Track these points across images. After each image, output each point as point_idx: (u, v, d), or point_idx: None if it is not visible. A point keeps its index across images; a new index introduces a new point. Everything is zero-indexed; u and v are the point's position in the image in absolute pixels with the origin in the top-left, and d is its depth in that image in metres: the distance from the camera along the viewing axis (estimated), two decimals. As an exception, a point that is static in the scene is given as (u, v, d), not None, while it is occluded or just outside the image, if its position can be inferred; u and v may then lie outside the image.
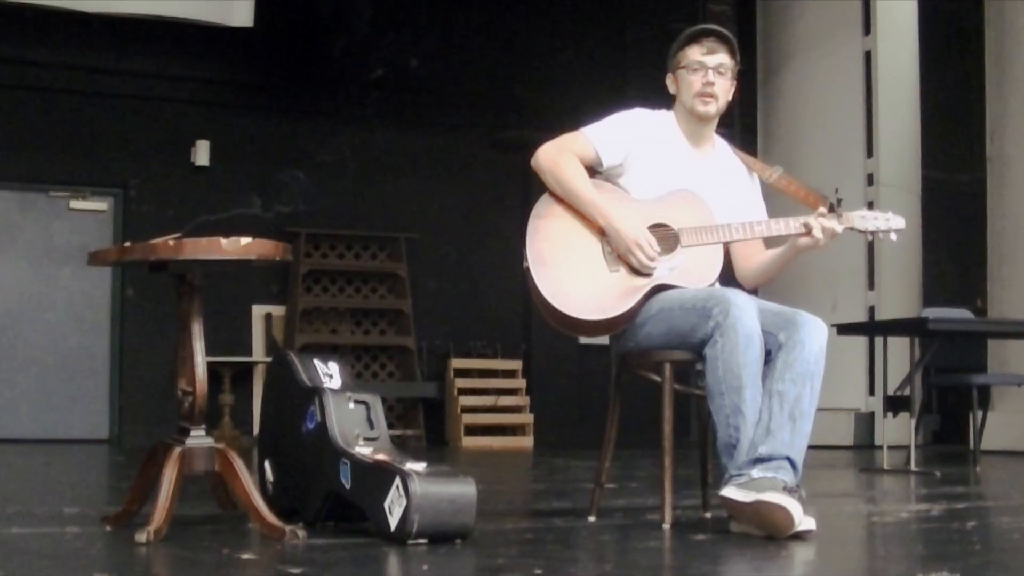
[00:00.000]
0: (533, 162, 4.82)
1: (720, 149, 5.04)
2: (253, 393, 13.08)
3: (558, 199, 4.75)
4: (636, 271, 4.64)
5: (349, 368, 4.81)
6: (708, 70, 4.80)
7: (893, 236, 4.88)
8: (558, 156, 4.77)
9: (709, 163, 4.95)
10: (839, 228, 4.69)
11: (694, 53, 4.82)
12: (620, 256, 4.65)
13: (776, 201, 5.29)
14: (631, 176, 4.81)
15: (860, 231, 4.82)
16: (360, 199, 13.91)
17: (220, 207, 13.34)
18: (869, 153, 13.01)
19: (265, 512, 4.17)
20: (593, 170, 4.82)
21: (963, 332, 9.77)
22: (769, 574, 3.70)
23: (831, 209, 4.78)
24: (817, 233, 4.65)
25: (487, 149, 14.26)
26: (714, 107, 4.85)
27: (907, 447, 8.81)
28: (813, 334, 4.47)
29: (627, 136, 4.84)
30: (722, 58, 4.83)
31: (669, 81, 4.92)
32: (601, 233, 4.68)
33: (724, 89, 4.85)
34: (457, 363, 13.82)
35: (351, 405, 4.50)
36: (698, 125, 4.91)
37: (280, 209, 13.65)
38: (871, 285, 12.91)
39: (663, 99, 4.99)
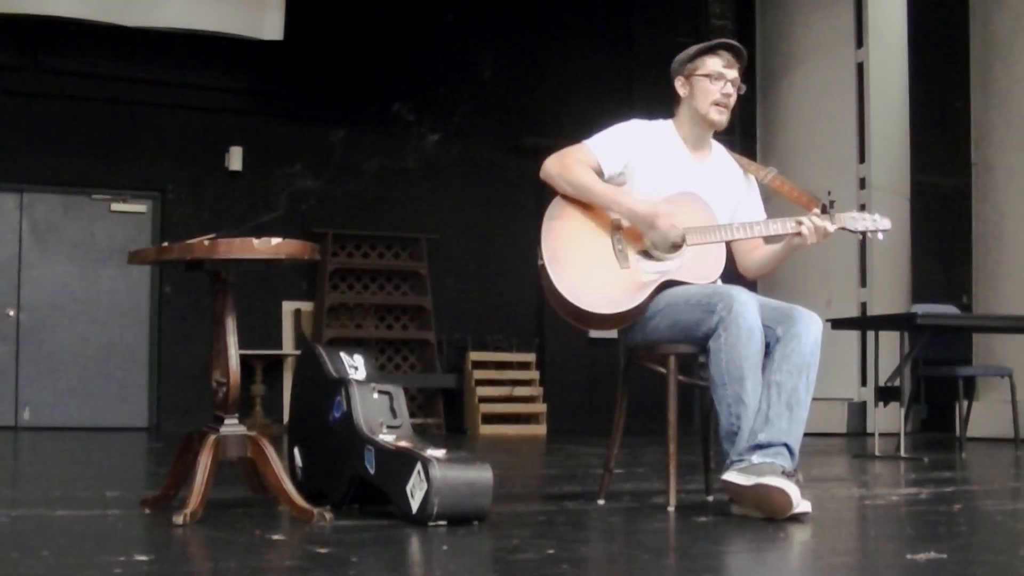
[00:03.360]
0: (542, 172, 4.80)
1: (717, 153, 5.02)
2: (283, 384, 13.10)
3: (569, 202, 4.74)
4: (648, 259, 4.64)
5: (373, 361, 4.80)
6: (727, 82, 4.79)
7: (880, 236, 4.88)
8: (566, 161, 4.75)
9: (708, 167, 4.93)
10: (831, 227, 4.69)
11: (715, 64, 4.79)
12: (636, 242, 4.65)
13: (773, 201, 5.29)
14: (633, 184, 4.79)
15: (851, 231, 4.83)
16: (383, 202, 13.92)
17: (252, 209, 13.35)
18: (861, 158, 13.00)
19: (294, 496, 4.17)
20: (597, 179, 4.81)
21: (950, 327, 9.76)
22: (768, 554, 3.68)
23: (824, 210, 4.77)
24: (805, 231, 4.64)
25: (503, 155, 14.26)
26: (727, 116, 4.84)
27: (897, 434, 8.80)
28: (809, 328, 4.46)
29: (626, 146, 4.81)
30: (736, 74, 4.82)
31: (679, 84, 4.87)
32: (611, 230, 4.68)
33: (734, 101, 4.85)
34: (475, 356, 13.82)
35: (375, 395, 4.49)
36: (702, 131, 4.89)
37: (308, 211, 13.66)
38: (863, 283, 12.91)
39: (668, 108, 4.97)
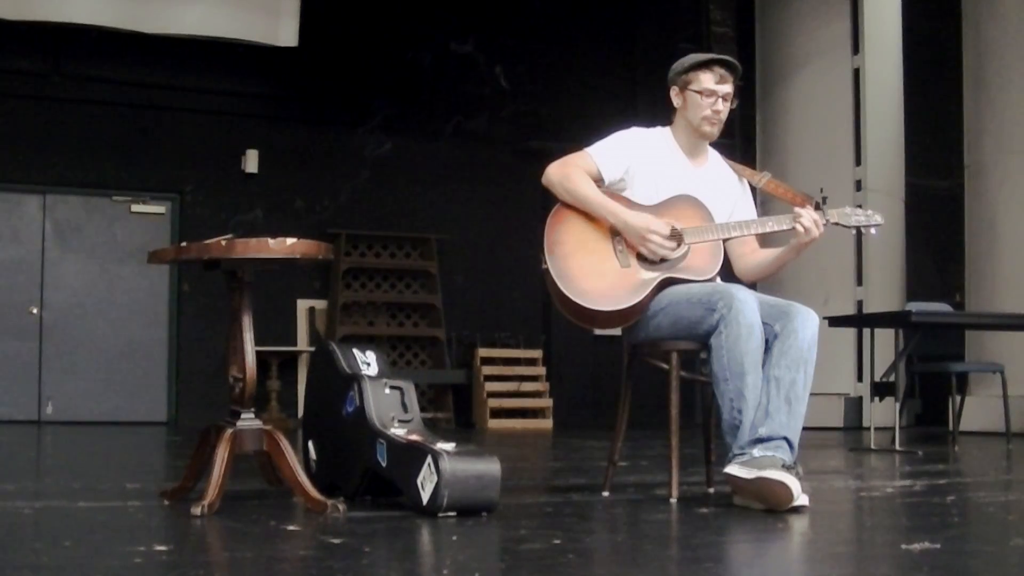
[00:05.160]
0: (544, 179, 4.80)
1: (713, 159, 5.03)
2: (298, 379, 13.10)
3: (569, 208, 4.74)
4: (648, 260, 4.63)
5: (385, 357, 4.79)
6: (718, 98, 4.79)
7: (873, 231, 4.87)
8: (566, 170, 4.76)
9: (705, 172, 4.93)
10: (823, 219, 4.68)
11: (707, 80, 4.79)
12: (634, 247, 4.64)
13: (768, 204, 5.29)
14: (634, 188, 4.79)
15: (844, 226, 4.82)
16: (395, 203, 13.92)
17: (268, 210, 13.36)
18: (857, 161, 12.98)
19: (309, 488, 4.17)
20: (598, 184, 4.80)
21: (943, 324, 9.74)
22: (768, 544, 3.68)
23: (817, 207, 4.77)
24: (800, 227, 4.62)
25: (510, 158, 14.24)
26: (718, 129, 4.86)
27: (892, 428, 8.80)
28: (806, 324, 4.46)
29: (626, 152, 4.81)
30: (729, 88, 4.82)
31: (674, 95, 4.88)
32: (612, 233, 4.67)
33: (726, 114, 4.85)
34: (483, 352, 13.81)
35: (387, 390, 4.49)
36: (697, 139, 4.91)
37: (322, 212, 13.66)
38: (859, 281, 12.88)
39: (670, 113, 4.97)
